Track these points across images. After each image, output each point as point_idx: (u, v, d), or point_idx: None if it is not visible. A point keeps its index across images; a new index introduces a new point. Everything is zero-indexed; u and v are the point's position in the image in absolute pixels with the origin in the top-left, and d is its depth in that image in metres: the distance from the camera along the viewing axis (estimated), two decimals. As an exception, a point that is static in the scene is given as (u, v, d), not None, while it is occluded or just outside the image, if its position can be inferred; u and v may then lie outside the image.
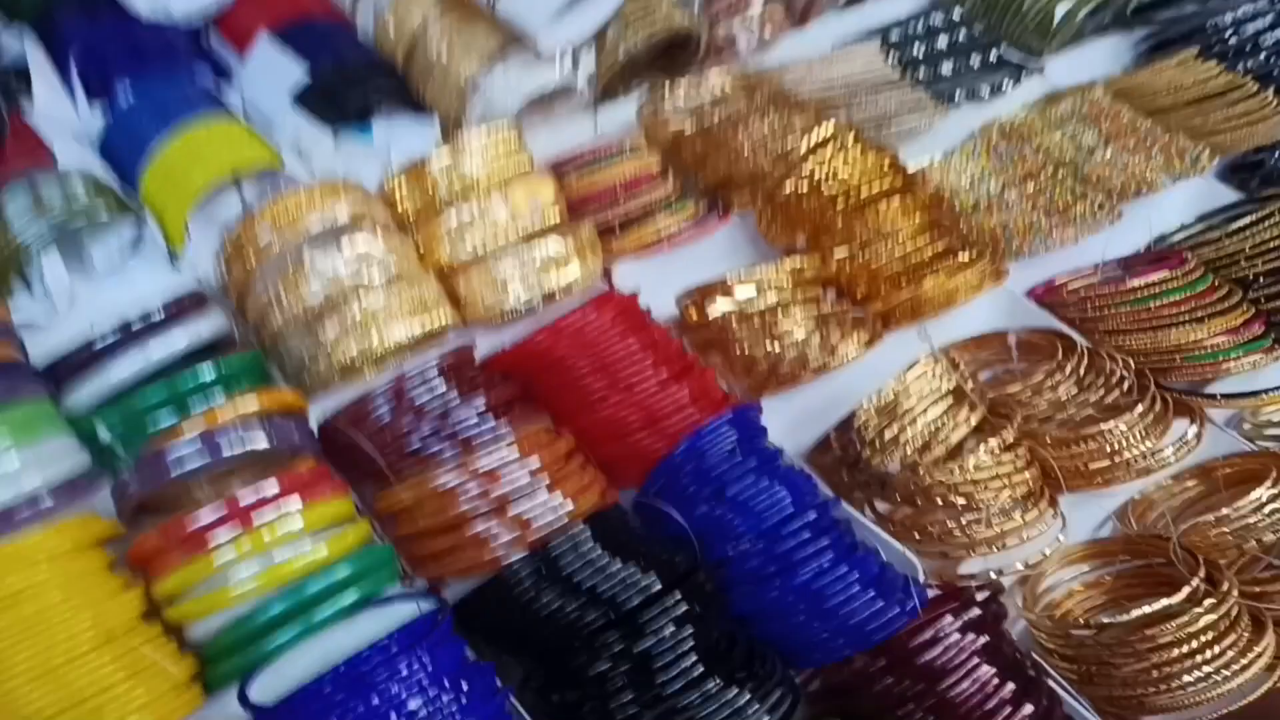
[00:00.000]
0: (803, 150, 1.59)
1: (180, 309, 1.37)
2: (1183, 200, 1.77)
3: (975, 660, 1.11)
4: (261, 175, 1.56)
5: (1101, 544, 1.31)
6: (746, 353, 1.41)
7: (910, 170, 1.73)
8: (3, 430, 1.16)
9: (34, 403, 1.22)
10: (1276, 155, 1.81)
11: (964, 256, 1.50)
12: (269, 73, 1.64)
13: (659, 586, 1.10)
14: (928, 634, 1.11)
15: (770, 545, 1.15)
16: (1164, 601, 1.18)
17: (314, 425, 1.29)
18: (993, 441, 1.26)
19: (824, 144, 1.59)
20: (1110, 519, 1.37)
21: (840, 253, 1.51)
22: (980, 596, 1.15)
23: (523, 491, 1.20)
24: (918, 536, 1.25)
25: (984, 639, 1.13)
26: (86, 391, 1.28)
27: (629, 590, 1.11)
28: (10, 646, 1.02)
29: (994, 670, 1.11)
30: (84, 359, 1.32)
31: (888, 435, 1.24)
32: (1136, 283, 1.51)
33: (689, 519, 1.20)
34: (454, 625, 1.11)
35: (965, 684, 1.09)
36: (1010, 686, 1.09)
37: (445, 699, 0.99)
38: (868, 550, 1.15)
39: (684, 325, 1.49)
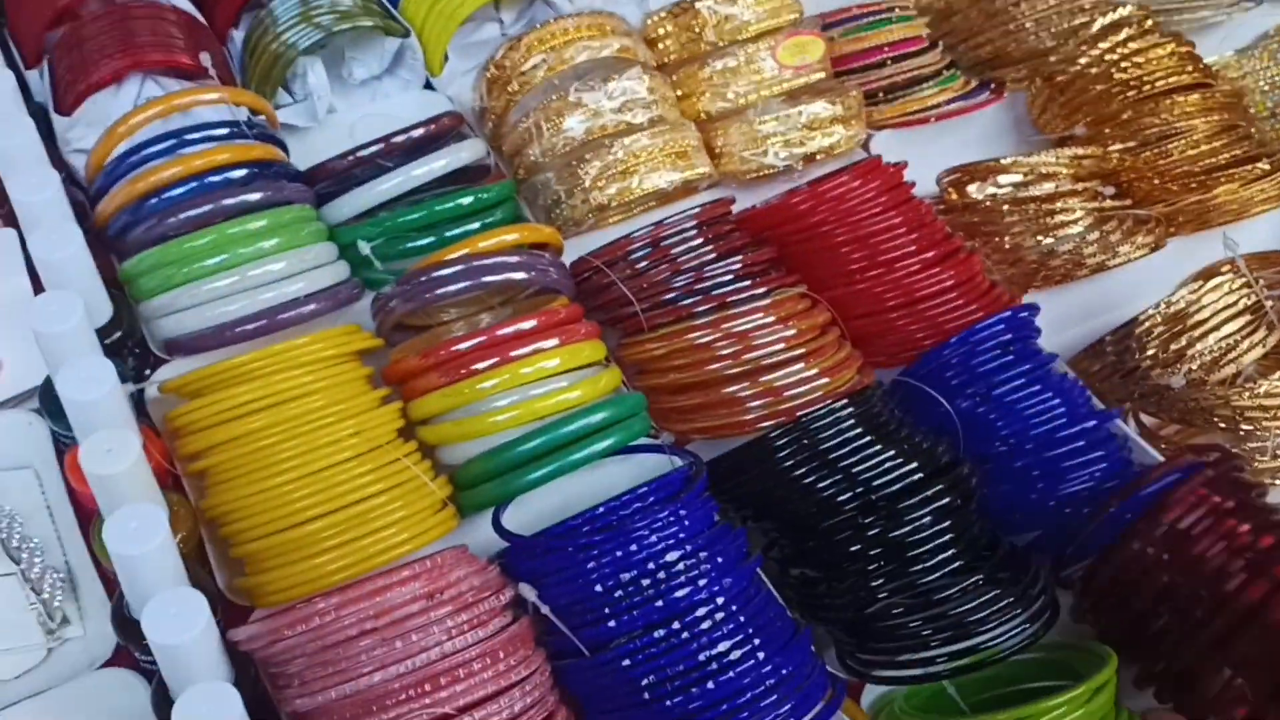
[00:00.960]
0: (1095, 30, 1.47)
1: (440, 129, 1.35)
2: None
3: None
4: (522, 3, 1.51)
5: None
6: (1014, 243, 1.33)
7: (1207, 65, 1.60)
8: (269, 231, 1.17)
9: (298, 207, 1.22)
10: None
11: (1263, 165, 1.37)
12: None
13: (920, 475, 1.06)
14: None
15: (1038, 451, 1.09)
16: None
17: (571, 262, 1.26)
18: (1277, 375, 1.16)
19: (1117, 26, 1.47)
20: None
21: (1125, 146, 1.40)
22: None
23: (777, 358, 1.16)
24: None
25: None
26: (345, 204, 1.28)
27: (888, 475, 1.06)
28: (276, 444, 1.04)
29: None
30: (343, 170, 1.32)
31: (1174, 346, 1.16)
32: None
33: (951, 409, 1.15)
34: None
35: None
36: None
37: (701, 555, 0.97)
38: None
39: (944, 207, 1.41)
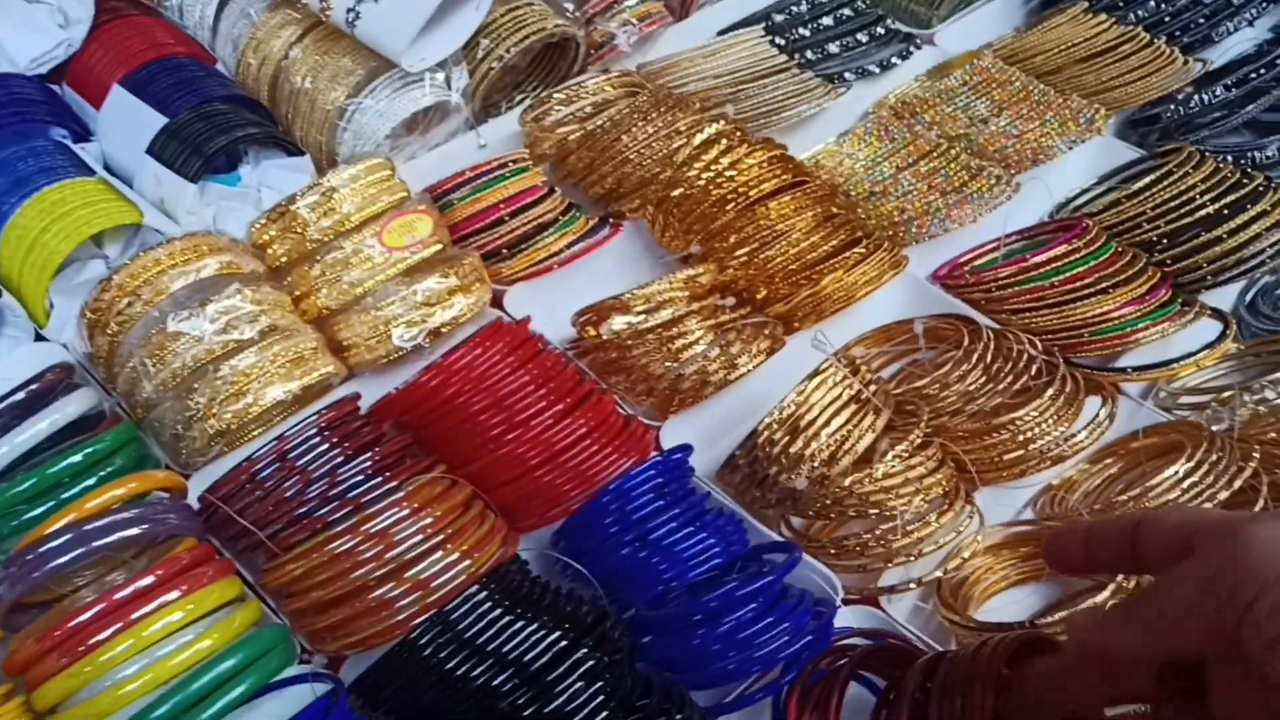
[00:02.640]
0: (688, 152, 1.54)
1: (46, 387, 1.30)
2: (1082, 163, 1.74)
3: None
4: (126, 235, 1.48)
5: (1020, 535, 1.27)
6: (647, 372, 1.36)
7: (804, 159, 1.69)
8: None
9: (-110, 508, 1.14)
10: (1172, 107, 1.78)
11: (861, 248, 1.46)
12: (125, 125, 1.56)
13: (565, 642, 1.05)
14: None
15: (696, 593, 1.11)
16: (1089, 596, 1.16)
17: (197, 497, 1.23)
18: (901, 446, 1.22)
19: (709, 144, 1.54)
20: (1029, 506, 1.33)
21: (736, 257, 1.46)
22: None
23: (419, 549, 1.14)
24: (834, 551, 1.21)
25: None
26: (-51, 486, 1.21)
27: (535, 648, 1.05)
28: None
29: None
30: (-55, 451, 1.25)
31: (792, 450, 1.20)
32: (1036, 259, 1.47)
33: (610, 560, 1.16)
34: (358, 702, 1.06)
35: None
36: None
37: (347, 788, 0.94)
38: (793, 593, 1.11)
39: (581, 348, 1.43)
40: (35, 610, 1.15)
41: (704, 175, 1.51)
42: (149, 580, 1.07)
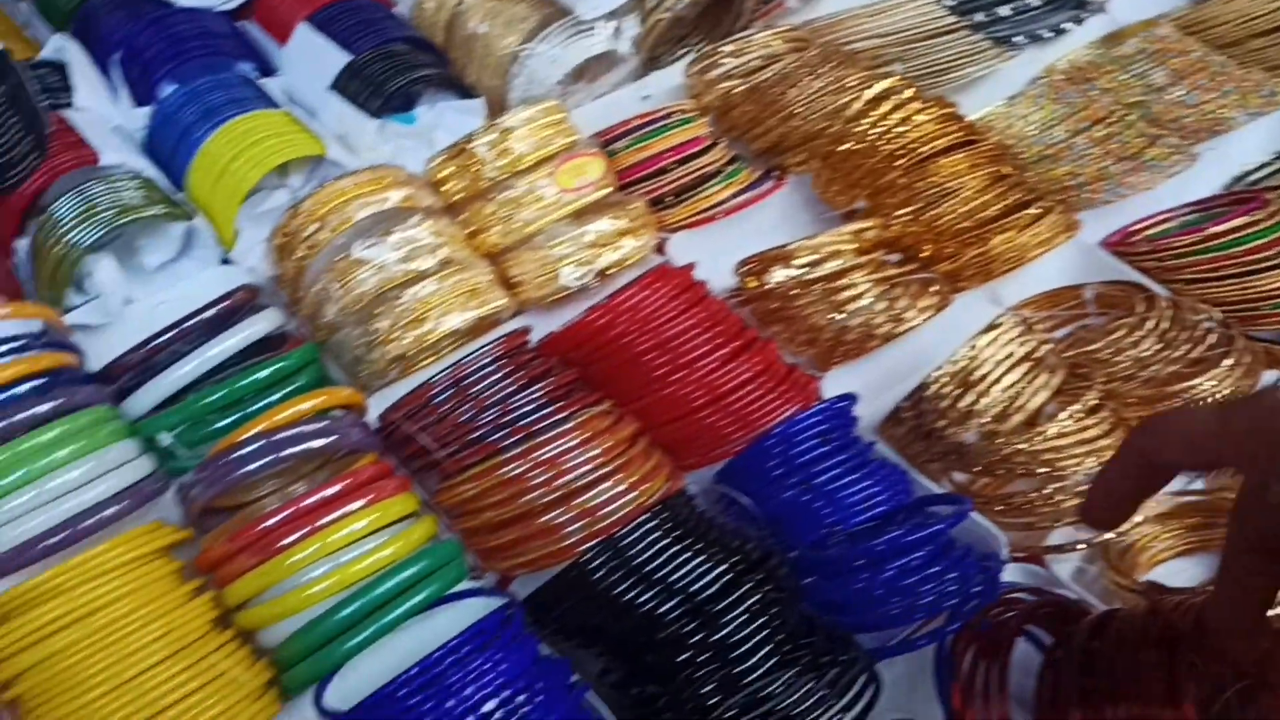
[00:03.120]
0: (858, 107, 1.53)
1: (235, 306, 1.36)
2: (1261, 136, 1.68)
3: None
4: (309, 166, 1.54)
5: (1190, 504, 1.25)
6: (810, 322, 1.37)
7: (972, 121, 1.67)
8: (63, 440, 1.16)
9: (93, 409, 1.21)
10: (1358, 83, 1.71)
11: (1034, 210, 1.44)
12: (309, 62, 1.62)
13: (731, 575, 1.07)
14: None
15: (862, 538, 1.11)
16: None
17: (375, 417, 1.27)
18: (1074, 406, 1.20)
19: (880, 99, 1.53)
20: (1200, 475, 1.30)
21: (903, 213, 1.45)
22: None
23: (587, 479, 1.17)
24: (999, 508, 1.20)
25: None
26: (145, 395, 1.28)
27: (701, 579, 1.07)
28: (85, 660, 1.02)
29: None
30: (140, 362, 1.31)
31: (962, 404, 1.19)
32: (1216, 229, 1.43)
33: (773, 504, 1.17)
34: (526, 620, 1.09)
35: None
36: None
37: (520, 698, 0.97)
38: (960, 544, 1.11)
39: (743, 297, 1.44)
40: (223, 515, 1.21)
41: (873, 130, 1.51)
42: (334, 490, 1.12)
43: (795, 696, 1.01)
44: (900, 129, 1.50)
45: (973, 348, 1.21)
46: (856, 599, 1.09)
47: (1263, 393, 0.70)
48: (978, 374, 1.20)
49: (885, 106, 1.52)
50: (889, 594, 1.08)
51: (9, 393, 1.19)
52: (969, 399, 1.20)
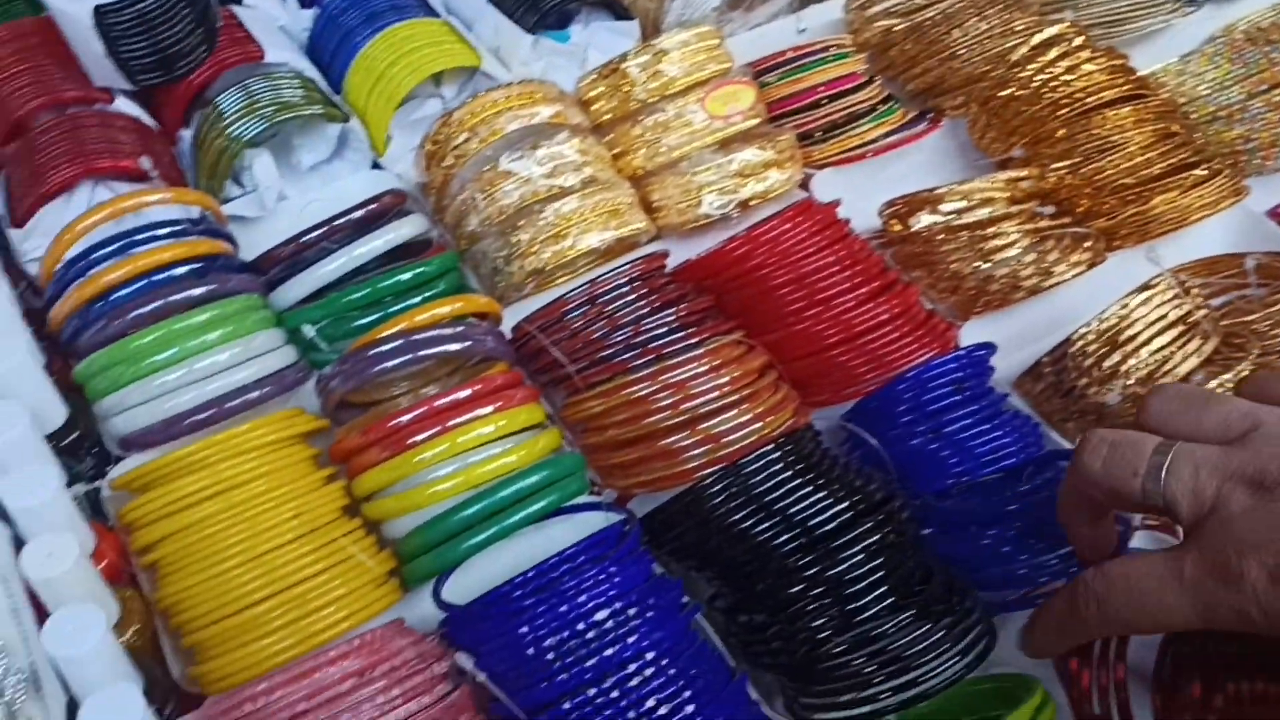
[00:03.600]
0: (1024, 52, 1.48)
1: (382, 208, 1.39)
2: None
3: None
4: (462, 77, 1.55)
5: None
6: (953, 270, 1.33)
7: (1143, 76, 1.59)
8: (214, 323, 1.20)
9: (244, 297, 1.25)
10: None
11: (1200, 171, 1.37)
12: (469, -27, 1.63)
13: (851, 514, 1.06)
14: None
15: (991, 491, 1.09)
16: None
17: (511, 327, 1.29)
18: (1225, 376, 1.16)
19: (1047, 45, 1.48)
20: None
21: (1061, 165, 1.40)
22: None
23: (712, 406, 1.17)
24: (1134, 473, 1.16)
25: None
26: (291, 288, 1.32)
27: (820, 515, 1.07)
28: (222, 531, 1.07)
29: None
30: (289, 256, 1.35)
31: (1108, 364, 1.15)
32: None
33: (900, 448, 1.15)
34: (641, 538, 1.10)
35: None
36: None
37: (632, 611, 0.98)
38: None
39: (886, 239, 1.42)
40: (357, 410, 1.25)
41: (1038, 77, 1.45)
42: (465, 393, 1.14)
43: (907, 639, 1.00)
44: (1066, 78, 1.45)
45: (1124, 306, 1.17)
46: (981, 553, 1.08)
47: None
48: (1127, 334, 1.16)
49: (1052, 53, 1.46)
50: (1016, 551, 1.06)
51: (167, 274, 1.25)
52: (1115, 359, 1.16)
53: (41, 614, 1.15)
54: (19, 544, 1.16)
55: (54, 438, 1.18)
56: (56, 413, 1.18)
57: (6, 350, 1.10)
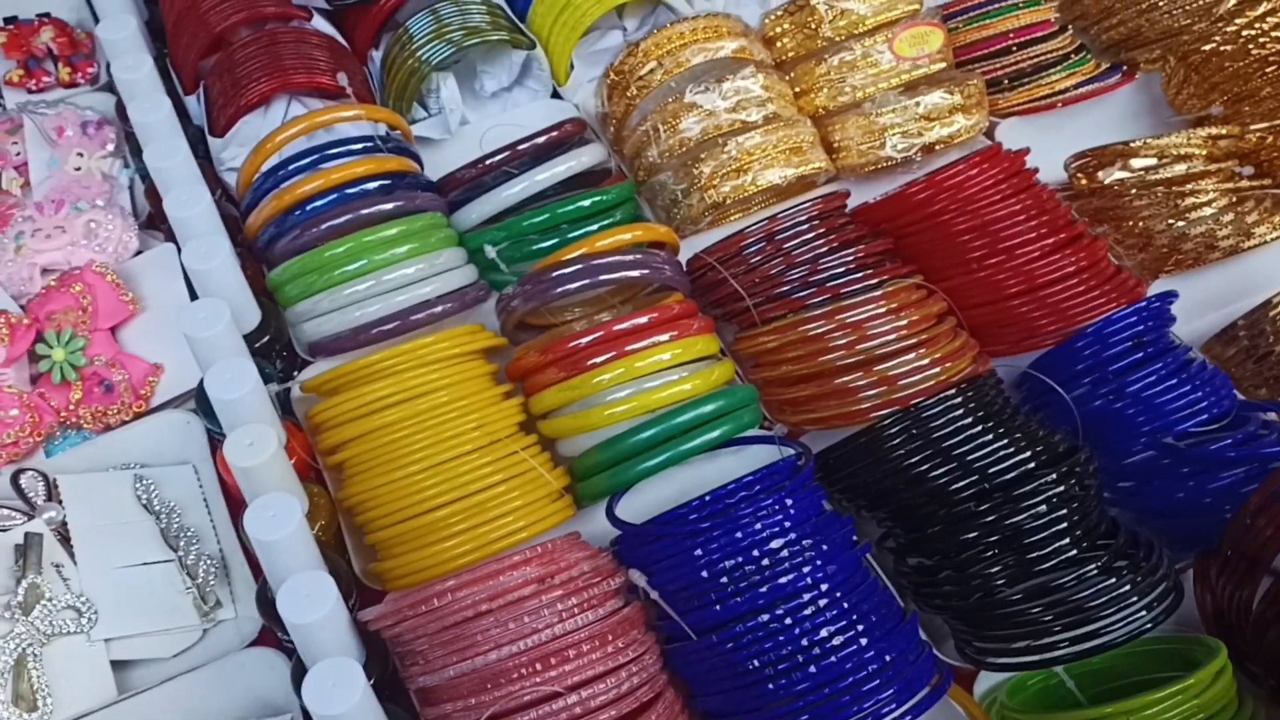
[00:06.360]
0: (1230, 5, 1.41)
1: (563, 135, 1.40)
2: None
3: None
4: (645, 10, 1.55)
5: None
6: (1144, 226, 1.29)
7: (1358, 34, 1.51)
8: (402, 238, 1.24)
9: (430, 214, 1.28)
10: None
11: None
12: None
13: (1034, 463, 1.05)
14: None
15: (1187, 447, 1.06)
16: None
17: (688, 259, 1.29)
18: None
19: (1255, 0, 1.41)
20: None
21: (1264, 125, 1.34)
22: None
23: (891, 348, 1.16)
24: (1332, 445, 1.12)
25: None
26: (473, 209, 1.35)
27: (1001, 463, 1.05)
28: (406, 437, 1.11)
29: None
30: (472, 179, 1.38)
31: (1310, 330, 1.11)
32: None
33: (1082, 405, 1.13)
34: (817, 474, 1.10)
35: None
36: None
37: (806, 543, 0.98)
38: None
39: (1072, 192, 1.38)
40: (534, 332, 1.27)
41: (1245, 33, 1.39)
42: (643, 320, 1.15)
43: (1088, 592, 0.98)
44: (1276, 33, 1.38)
45: (1332, 271, 1.12)
46: (1176, 508, 1.05)
47: None
48: (1333, 300, 1.11)
49: (1262, 8, 1.39)
50: (1217, 504, 1.03)
51: (359, 188, 1.28)
52: (1318, 325, 1.11)
53: (235, 503, 1.22)
54: (217, 440, 1.23)
55: (248, 339, 1.22)
56: (252, 314, 1.23)
57: (212, 249, 1.14)
